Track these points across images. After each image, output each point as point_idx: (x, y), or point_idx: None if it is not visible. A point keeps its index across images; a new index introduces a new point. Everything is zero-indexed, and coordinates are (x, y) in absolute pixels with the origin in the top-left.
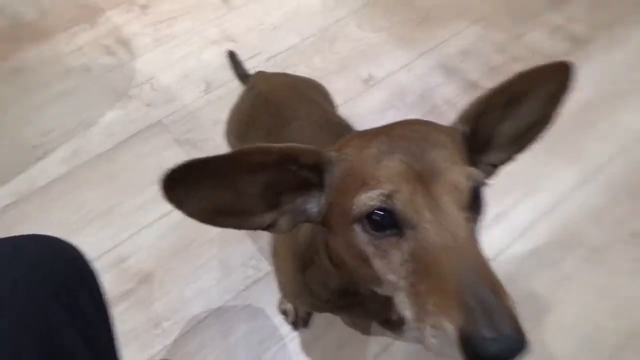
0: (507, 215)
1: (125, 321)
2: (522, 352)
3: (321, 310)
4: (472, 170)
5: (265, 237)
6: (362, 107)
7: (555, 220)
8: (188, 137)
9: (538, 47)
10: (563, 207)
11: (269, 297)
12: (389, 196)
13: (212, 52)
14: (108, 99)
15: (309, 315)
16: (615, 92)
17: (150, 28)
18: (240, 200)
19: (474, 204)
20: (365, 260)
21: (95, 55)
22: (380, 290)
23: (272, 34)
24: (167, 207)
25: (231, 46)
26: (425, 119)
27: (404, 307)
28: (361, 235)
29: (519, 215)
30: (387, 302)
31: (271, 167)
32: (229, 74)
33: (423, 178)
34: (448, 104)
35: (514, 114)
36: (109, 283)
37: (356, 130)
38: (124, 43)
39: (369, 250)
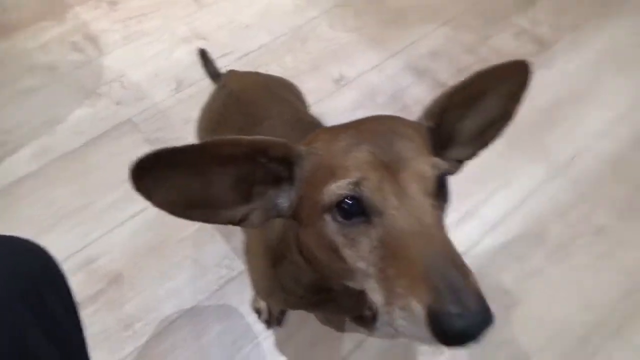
0: (477, 212)
1: (95, 323)
2: (487, 328)
3: (295, 307)
4: (437, 160)
5: (238, 236)
6: (334, 106)
7: (523, 216)
8: (158, 136)
9: (505, 48)
10: (530, 203)
11: (242, 296)
12: (356, 184)
13: (183, 50)
14: (76, 97)
15: (282, 313)
16: (578, 92)
17: (119, 25)
18: (210, 193)
19: (439, 193)
20: (335, 250)
21: (63, 52)
22: (351, 284)
23: (243, 32)
24: (138, 206)
25: (202, 44)
26: (392, 115)
27: (374, 293)
28: (331, 225)
29: (489, 212)
30: (360, 297)
31: (241, 160)
32: (200, 73)
33: (390, 167)
34: (418, 104)
35: (475, 111)
36: (79, 284)
37: (325, 126)
38: (92, 40)
39: (339, 240)
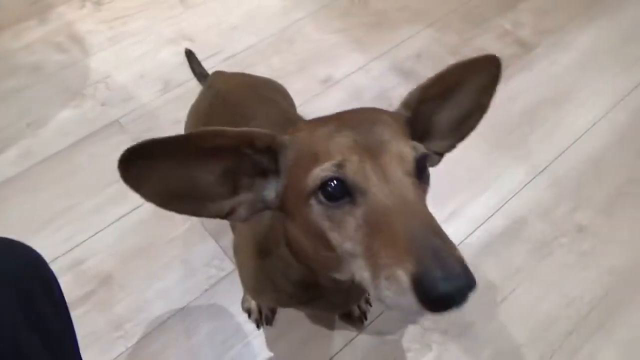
0: (463, 211)
1: (85, 324)
2: (470, 291)
3: (285, 305)
4: (416, 143)
5: (228, 236)
6: (321, 107)
7: (506, 215)
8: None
9: (488, 50)
10: (514, 202)
11: (232, 296)
12: (339, 165)
13: (169, 51)
14: (61, 98)
15: (272, 313)
16: (560, 93)
17: (105, 25)
18: (197, 185)
19: (420, 175)
20: (322, 237)
21: (47, 52)
22: (339, 275)
23: (230, 33)
24: (126, 207)
25: (189, 45)
26: (372, 107)
27: (362, 271)
28: (317, 209)
29: (473, 211)
30: (349, 294)
31: (227, 152)
32: (187, 73)
33: (371, 150)
34: None
35: (450, 103)
36: (67, 285)
37: (307, 119)
38: (77, 40)
39: (325, 224)
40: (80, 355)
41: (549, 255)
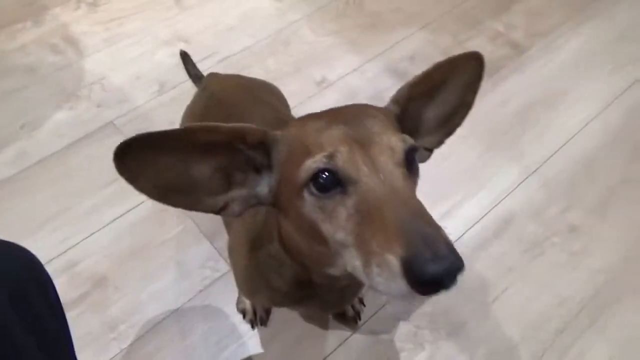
0: (456, 212)
1: (79, 325)
2: (459, 272)
3: (279, 304)
4: (405, 135)
5: (223, 237)
6: (316, 108)
7: (499, 215)
8: None
9: (481, 52)
10: (506, 203)
11: (227, 297)
12: (330, 157)
13: (165, 53)
14: (56, 100)
15: (267, 314)
16: (552, 95)
17: (100, 27)
18: (192, 179)
19: (409, 167)
20: (315, 230)
21: (42, 53)
22: (332, 270)
23: (225, 35)
24: (121, 209)
25: (184, 47)
26: (362, 103)
27: (354, 260)
28: (309, 200)
29: (467, 212)
30: (343, 292)
31: (221, 147)
32: (182, 75)
33: (361, 142)
34: None
35: (437, 99)
36: (62, 287)
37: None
38: (72, 42)
39: (317, 216)
40: (75, 357)
41: (540, 255)
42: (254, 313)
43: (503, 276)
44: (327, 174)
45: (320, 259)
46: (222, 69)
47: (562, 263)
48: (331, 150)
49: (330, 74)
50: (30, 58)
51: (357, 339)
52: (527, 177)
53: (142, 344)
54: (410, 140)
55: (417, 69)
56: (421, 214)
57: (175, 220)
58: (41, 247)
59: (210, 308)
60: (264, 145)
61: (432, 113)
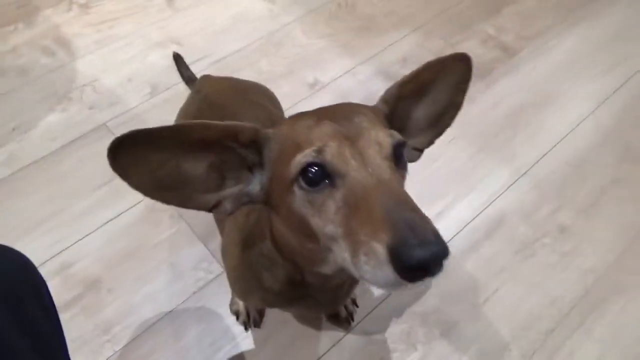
0: (448, 213)
1: (73, 328)
2: (444, 258)
3: (273, 305)
4: (393, 131)
5: (216, 239)
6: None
7: (490, 216)
8: None
9: (472, 55)
10: (497, 204)
11: (221, 298)
12: (319, 151)
13: (157, 55)
14: (48, 102)
15: (260, 315)
16: (543, 97)
17: (92, 29)
18: (185, 176)
19: (397, 162)
20: (305, 225)
21: (34, 55)
22: (324, 269)
23: (218, 37)
24: (114, 211)
25: (176, 49)
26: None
27: (343, 252)
28: (299, 195)
29: (458, 213)
30: (336, 293)
31: (213, 145)
32: (175, 77)
33: (350, 137)
34: None
35: (426, 100)
36: (55, 289)
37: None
38: (64, 44)
39: (307, 211)
40: (69, 359)
41: (531, 255)
42: (247, 314)
43: (494, 277)
44: (316, 168)
45: (311, 257)
46: (215, 71)
47: (553, 263)
48: (320, 145)
49: (322, 76)
50: (22, 60)
51: (350, 340)
52: (518, 179)
53: (136, 345)
54: (397, 136)
55: (409, 72)
56: (407, 203)
57: (168, 222)
58: (34, 249)
59: (204, 310)
60: (256, 144)
61: (421, 113)
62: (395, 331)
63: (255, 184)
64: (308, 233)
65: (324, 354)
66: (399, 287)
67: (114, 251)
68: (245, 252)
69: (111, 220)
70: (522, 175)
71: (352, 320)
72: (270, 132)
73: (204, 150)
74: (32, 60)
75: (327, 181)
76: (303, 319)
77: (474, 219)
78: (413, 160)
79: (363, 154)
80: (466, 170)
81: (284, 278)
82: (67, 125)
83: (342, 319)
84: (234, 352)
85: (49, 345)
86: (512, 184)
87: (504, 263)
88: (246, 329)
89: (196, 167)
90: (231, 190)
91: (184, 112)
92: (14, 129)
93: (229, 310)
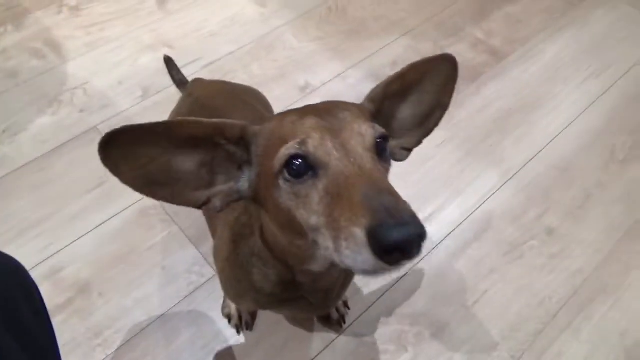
0: (437, 216)
1: (64, 332)
2: (421, 239)
3: (265, 306)
4: (376, 125)
5: (208, 242)
6: None
7: (479, 219)
8: None
9: (461, 59)
10: (486, 207)
11: (213, 302)
12: (302, 143)
13: (149, 58)
14: (38, 105)
15: (253, 318)
16: (531, 100)
17: (82, 31)
18: (176, 174)
19: (380, 155)
20: (291, 219)
21: (23, 58)
22: (314, 267)
23: (209, 40)
24: (105, 214)
25: (168, 52)
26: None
27: (326, 242)
28: (284, 187)
29: (447, 216)
30: (327, 294)
31: (204, 143)
32: (166, 80)
33: (333, 130)
34: None
35: (412, 100)
36: (46, 294)
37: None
38: (54, 46)
39: (292, 204)
40: None
41: (520, 257)
42: (240, 318)
43: (484, 278)
44: (299, 160)
45: (300, 254)
46: (206, 74)
47: (541, 265)
48: (303, 137)
49: (313, 79)
50: (12, 62)
51: (342, 342)
52: (506, 182)
53: (127, 349)
54: (380, 129)
55: None
56: (387, 189)
57: (160, 226)
58: (25, 253)
59: (196, 313)
60: (244, 141)
61: (407, 112)
62: (385, 333)
63: (244, 181)
64: (296, 228)
65: (316, 356)
66: (379, 271)
67: (106, 255)
68: (235, 250)
69: (102, 223)
70: (510, 178)
71: (344, 322)
72: (257, 129)
73: (194, 148)
74: (22, 63)
75: (310, 173)
76: (295, 322)
77: (463, 221)
78: (402, 159)
79: (345, 145)
80: (455, 174)
81: (276, 278)
82: (57, 128)
83: (334, 321)
84: (226, 355)
85: (41, 349)
86: (500, 187)
87: (493, 265)
88: (238, 332)
89: (187, 163)
90: (221, 187)
91: (176, 115)
92: (4, 132)
93: (221, 314)
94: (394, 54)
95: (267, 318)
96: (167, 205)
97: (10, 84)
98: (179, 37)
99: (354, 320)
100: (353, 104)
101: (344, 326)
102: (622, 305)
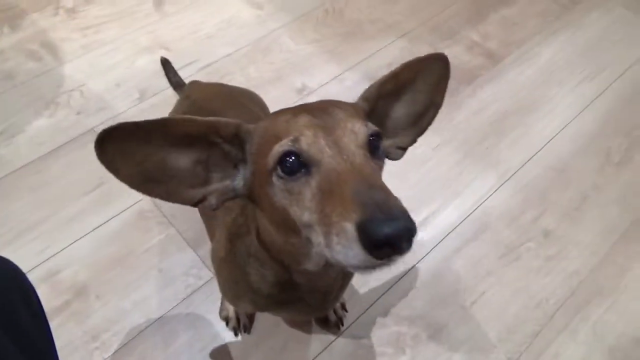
0: (435, 218)
1: (61, 335)
2: (411, 234)
3: (263, 308)
4: (369, 122)
5: (206, 245)
6: None
7: (476, 221)
8: None
9: (457, 61)
10: (483, 209)
11: (210, 304)
12: (295, 140)
13: (145, 60)
14: (34, 107)
15: (250, 321)
16: (527, 103)
17: (79, 33)
18: (172, 171)
19: (373, 152)
20: (286, 217)
21: (20, 60)
22: (310, 266)
23: (206, 42)
24: (103, 217)
25: (164, 54)
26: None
27: (319, 238)
28: (277, 185)
29: (445, 218)
30: (325, 295)
31: (199, 141)
32: (163, 82)
33: (326, 128)
34: None
35: (406, 99)
36: (43, 296)
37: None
38: (51, 48)
39: (286, 201)
40: None
41: (516, 259)
42: (238, 320)
43: (481, 280)
44: (293, 157)
45: (296, 253)
46: (203, 77)
47: (538, 267)
48: (296, 135)
49: (310, 81)
50: (8, 64)
51: (340, 344)
52: (502, 184)
53: (125, 352)
54: (373, 127)
55: None
56: (377, 184)
57: (157, 228)
58: (22, 255)
59: (194, 316)
60: (239, 139)
61: (401, 112)
62: (383, 335)
63: (239, 180)
64: (290, 226)
65: (314, 358)
66: (370, 266)
67: (103, 257)
68: (232, 249)
69: (100, 226)
70: (506, 180)
71: (342, 324)
72: (251, 127)
73: (190, 146)
74: (18, 65)
75: (303, 170)
76: (293, 324)
77: (460, 223)
78: (397, 158)
79: (338, 143)
80: (452, 176)
81: (273, 279)
82: (54, 130)
83: (332, 324)
84: (224, 357)
85: (39, 351)
86: (497, 189)
87: (490, 267)
88: (236, 334)
89: (182, 161)
90: (217, 185)
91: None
92: (0, 134)
93: (218, 316)
94: (391, 57)
95: (265, 320)
96: (165, 208)
97: (7, 85)
98: (176, 39)
99: (352, 323)
100: (347, 103)
101: (342, 328)
102: (619, 306)
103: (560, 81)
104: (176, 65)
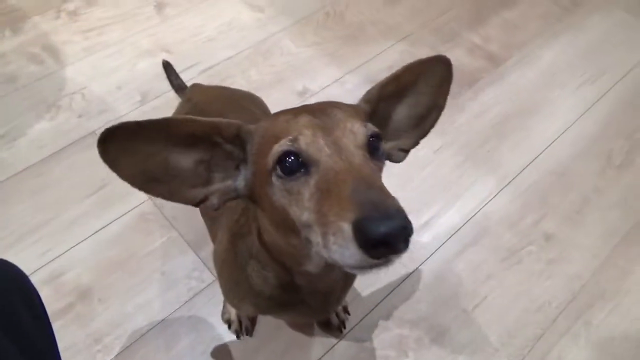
0: (436, 221)
1: (64, 338)
2: (407, 233)
3: (265, 310)
4: (369, 124)
5: (208, 247)
6: None
7: (477, 225)
8: None
9: (458, 64)
10: (483, 213)
11: (213, 307)
12: (294, 140)
13: (147, 63)
14: (36, 110)
15: (252, 324)
16: (527, 106)
17: (80, 36)
18: (174, 171)
19: (373, 153)
20: (286, 218)
21: (21, 63)
22: (311, 267)
23: (207, 45)
24: (105, 219)
25: (166, 57)
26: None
27: (316, 237)
28: (277, 184)
29: (446, 221)
30: (327, 297)
31: (202, 141)
32: (165, 85)
33: (326, 128)
34: None
35: (408, 101)
36: (46, 299)
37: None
38: (52, 51)
39: (285, 201)
40: None
41: (518, 263)
42: (240, 323)
43: (482, 284)
44: (292, 157)
45: (297, 254)
46: (204, 79)
47: (539, 271)
48: (296, 135)
49: (311, 84)
50: (10, 67)
51: (342, 347)
52: (504, 187)
53: (127, 355)
54: (372, 128)
55: None
56: (375, 184)
57: (159, 231)
58: (24, 258)
59: (196, 318)
60: (240, 139)
61: (403, 114)
62: (386, 338)
63: (241, 180)
64: (290, 226)
65: None
66: (367, 266)
67: (105, 260)
68: (233, 249)
69: (102, 228)
70: (508, 183)
71: (344, 327)
72: (252, 128)
73: (192, 146)
74: (20, 68)
75: (303, 170)
76: (295, 327)
77: (461, 227)
78: (399, 160)
79: (337, 143)
80: (454, 179)
81: (274, 281)
82: (56, 133)
83: (334, 327)
84: None
85: (40, 352)
86: (498, 192)
87: (491, 271)
88: (238, 337)
89: (184, 161)
90: (218, 185)
91: None
92: (2, 137)
93: (221, 319)
94: (391, 59)
95: (267, 323)
96: (166, 211)
97: (9, 88)
98: (177, 42)
99: (354, 326)
100: (347, 104)
101: (344, 331)
102: (621, 309)
103: (562, 84)
104: (177, 68)
